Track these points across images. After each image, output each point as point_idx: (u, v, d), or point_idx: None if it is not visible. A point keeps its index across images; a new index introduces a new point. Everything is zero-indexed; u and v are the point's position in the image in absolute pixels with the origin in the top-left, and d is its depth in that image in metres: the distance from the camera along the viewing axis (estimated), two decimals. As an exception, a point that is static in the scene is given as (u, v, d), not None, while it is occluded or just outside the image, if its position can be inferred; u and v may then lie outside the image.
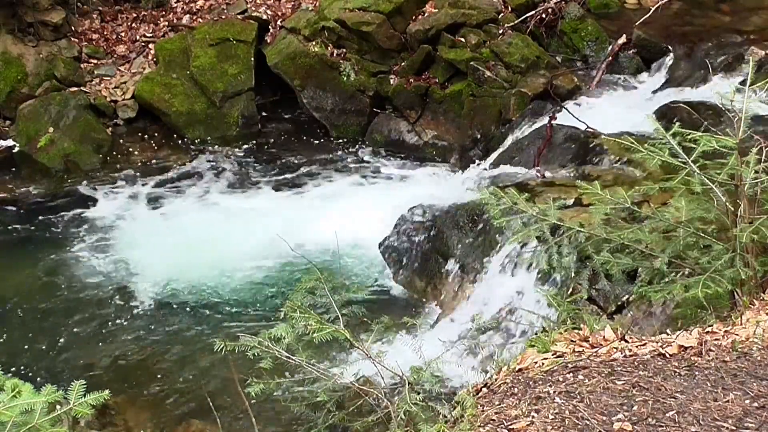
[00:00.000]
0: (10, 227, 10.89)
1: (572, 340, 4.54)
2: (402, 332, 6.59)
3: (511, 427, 3.77)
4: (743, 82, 6.47)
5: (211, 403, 6.48)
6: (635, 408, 3.81)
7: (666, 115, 9.57)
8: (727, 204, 5.33)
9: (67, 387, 3.98)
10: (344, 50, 12.43)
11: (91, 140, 12.07)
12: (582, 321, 4.94)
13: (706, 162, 5.34)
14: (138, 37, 13.15)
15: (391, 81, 12.26)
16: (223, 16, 13.13)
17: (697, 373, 4.06)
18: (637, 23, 11.78)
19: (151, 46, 13.03)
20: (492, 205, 5.77)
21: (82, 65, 12.75)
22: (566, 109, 10.63)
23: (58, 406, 3.95)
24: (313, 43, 12.45)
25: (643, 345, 4.37)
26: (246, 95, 12.60)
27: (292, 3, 13.30)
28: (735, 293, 5.16)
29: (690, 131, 5.32)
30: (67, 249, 10.44)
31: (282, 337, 5.02)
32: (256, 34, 12.75)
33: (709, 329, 4.55)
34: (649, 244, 5.62)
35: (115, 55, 13.00)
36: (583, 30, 12.14)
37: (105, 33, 13.18)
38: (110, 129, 12.40)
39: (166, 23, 13.29)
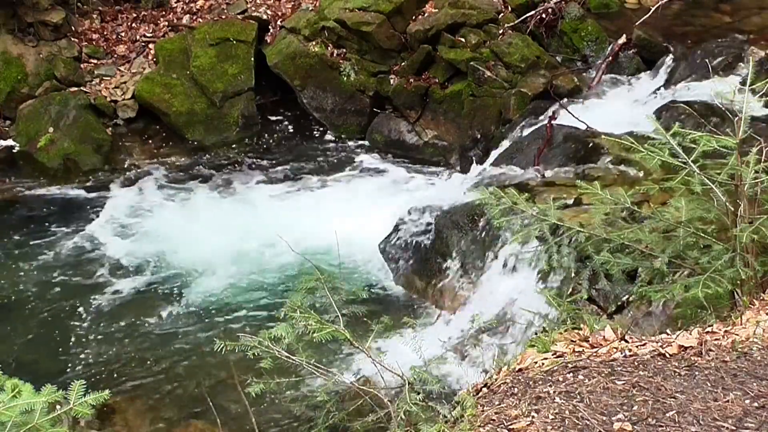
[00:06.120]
0: (9, 227, 10.89)
1: (572, 340, 4.54)
2: (402, 332, 6.60)
3: (511, 427, 3.77)
4: (743, 82, 6.47)
5: (211, 403, 6.48)
6: (635, 408, 3.81)
7: (666, 115, 9.58)
8: (727, 204, 5.33)
9: (67, 387, 3.98)
10: (344, 50, 12.43)
11: (91, 140, 12.05)
12: (582, 321, 4.94)
13: (706, 162, 5.34)
14: (138, 37, 13.15)
15: (391, 81, 12.25)
16: (223, 16, 13.12)
17: (697, 373, 4.07)
18: (637, 23, 11.76)
19: (151, 46, 13.02)
20: (492, 205, 5.78)
21: (82, 65, 12.74)
22: (567, 108, 10.63)
23: (58, 406, 3.95)
24: (313, 43, 12.45)
25: (643, 345, 4.37)
26: (246, 95, 12.58)
27: (292, 3, 13.29)
28: (735, 293, 5.16)
29: (690, 131, 5.32)
30: (66, 249, 10.44)
31: (282, 337, 5.03)
32: (256, 34, 12.73)
33: (709, 329, 4.55)
34: (649, 244, 5.63)
35: (115, 55, 12.99)
36: (583, 30, 12.13)
37: (105, 33, 13.17)
38: (110, 129, 12.38)
39: (166, 23, 13.29)
